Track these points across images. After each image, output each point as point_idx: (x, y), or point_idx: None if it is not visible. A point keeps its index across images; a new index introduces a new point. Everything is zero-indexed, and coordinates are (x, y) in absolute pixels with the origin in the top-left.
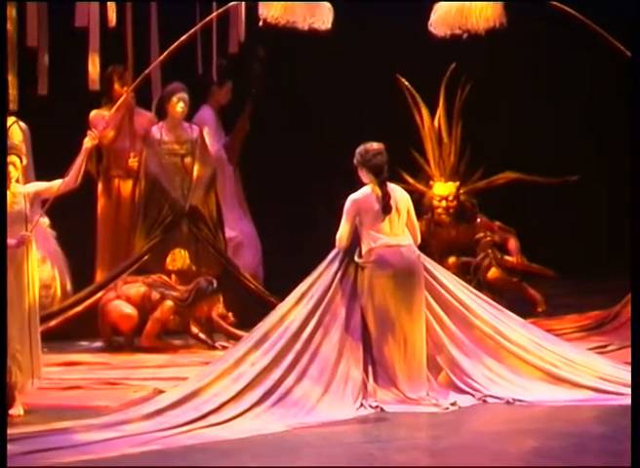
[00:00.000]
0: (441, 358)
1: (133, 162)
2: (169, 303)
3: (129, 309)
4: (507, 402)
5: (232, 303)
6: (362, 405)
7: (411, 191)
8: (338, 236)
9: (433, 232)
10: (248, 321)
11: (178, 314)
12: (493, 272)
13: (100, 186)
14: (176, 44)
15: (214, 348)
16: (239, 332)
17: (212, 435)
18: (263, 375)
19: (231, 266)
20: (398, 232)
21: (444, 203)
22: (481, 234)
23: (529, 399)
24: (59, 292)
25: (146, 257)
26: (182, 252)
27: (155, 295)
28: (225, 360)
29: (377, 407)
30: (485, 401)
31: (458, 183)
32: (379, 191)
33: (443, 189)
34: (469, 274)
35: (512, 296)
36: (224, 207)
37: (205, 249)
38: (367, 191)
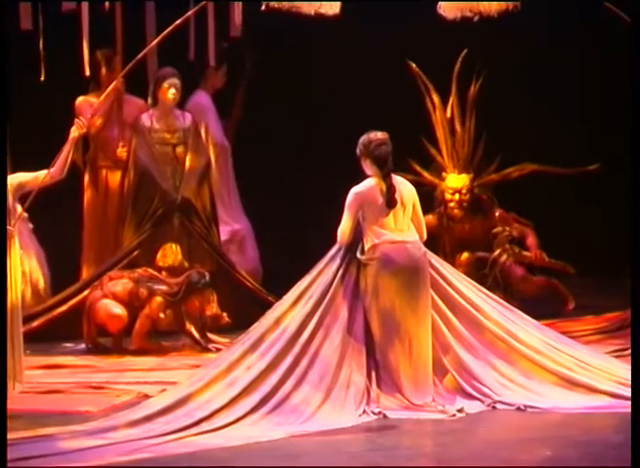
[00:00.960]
0: (447, 360)
1: (121, 151)
2: (158, 299)
3: (118, 309)
4: (518, 408)
5: (227, 302)
6: (365, 411)
7: (422, 183)
8: (339, 231)
9: (446, 227)
10: (244, 321)
11: (169, 308)
12: (524, 281)
13: (86, 177)
14: (170, 28)
15: (206, 350)
16: (221, 340)
17: (204, 443)
18: (260, 380)
19: (226, 263)
20: (403, 227)
21: (457, 196)
22: (498, 228)
23: (542, 405)
24: (29, 289)
25: (136, 253)
26: (174, 247)
27: (143, 292)
28: (219, 363)
29: (379, 413)
30: (494, 407)
31: (471, 175)
32: (383, 184)
33: (456, 181)
34: (484, 270)
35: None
36: (229, 198)
37: (198, 244)
38: (370, 184)
